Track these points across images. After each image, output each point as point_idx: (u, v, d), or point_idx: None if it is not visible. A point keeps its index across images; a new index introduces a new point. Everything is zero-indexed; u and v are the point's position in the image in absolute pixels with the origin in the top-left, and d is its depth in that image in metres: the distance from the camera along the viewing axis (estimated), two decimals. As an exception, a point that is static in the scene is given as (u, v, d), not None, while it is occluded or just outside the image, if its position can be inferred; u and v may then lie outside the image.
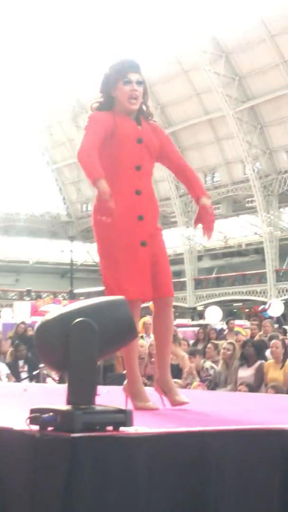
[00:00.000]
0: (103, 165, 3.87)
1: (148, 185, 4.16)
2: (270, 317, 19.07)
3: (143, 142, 4.09)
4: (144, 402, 3.97)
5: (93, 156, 3.88)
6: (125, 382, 4.16)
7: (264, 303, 28.16)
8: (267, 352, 10.18)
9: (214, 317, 22.80)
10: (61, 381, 10.73)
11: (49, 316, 2.78)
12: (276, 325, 17.21)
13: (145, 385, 10.51)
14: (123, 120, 4.08)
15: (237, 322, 17.60)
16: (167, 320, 4.22)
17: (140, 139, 4.09)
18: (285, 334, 13.67)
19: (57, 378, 11.59)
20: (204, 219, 4.13)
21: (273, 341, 9.75)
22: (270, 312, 21.39)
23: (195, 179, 4.26)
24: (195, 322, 29.48)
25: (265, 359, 9.85)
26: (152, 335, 14.14)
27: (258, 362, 9.46)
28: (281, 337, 11.15)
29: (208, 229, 4.14)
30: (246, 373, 9.41)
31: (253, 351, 9.55)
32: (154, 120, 4.36)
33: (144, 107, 4.21)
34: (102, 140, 3.97)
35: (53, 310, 3.34)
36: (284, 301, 30.72)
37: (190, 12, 37.15)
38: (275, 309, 21.82)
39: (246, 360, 9.56)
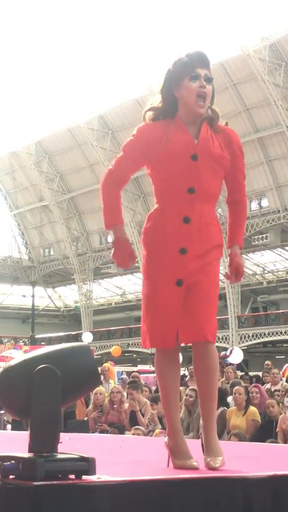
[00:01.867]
0: (155, 183, 3.50)
1: (203, 212, 3.46)
2: (231, 364, 19.05)
3: (198, 160, 3.43)
4: (184, 460, 3.40)
5: (114, 194, 3.53)
6: (166, 437, 3.57)
7: (225, 349, 28.18)
8: (229, 399, 10.17)
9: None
10: (15, 426, 10.57)
11: (12, 362, 2.76)
12: (241, 373, 17.26)
13: (106, 432, 10.43)
14: (177, 132, 3.47)
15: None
16: (201, 368, 3.51)
17: (195, 155, 3.42)
18: (251, 382, 13.68)
19: (10, 422, 11.42)
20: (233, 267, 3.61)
21: (236, 387, 9.74)
22: (230, 359, 21.40)
23: (241, 224, 3.78)
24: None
25: (227, 406, 9.83)
26: (111, 381, 14.14)
27: (220, 409, 9.43)
28: (243, 384, 11.14)
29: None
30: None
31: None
32: (226, 123, 3.67)
33: (210, 112, 3.58)
34: (137, 166, 3.56)
35: (14, 355, 3.30)
36: (245, 347, 30.80)
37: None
38: (235, 356, 21.87)
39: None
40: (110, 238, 46.46)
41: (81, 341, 31.86)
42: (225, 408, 9.58)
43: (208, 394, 3.51)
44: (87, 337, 35.81)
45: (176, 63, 3.54)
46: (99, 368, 14.75)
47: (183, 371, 20.84)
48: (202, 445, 3.50)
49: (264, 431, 8.94)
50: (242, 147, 3.64)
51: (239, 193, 3.67)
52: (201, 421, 3.59)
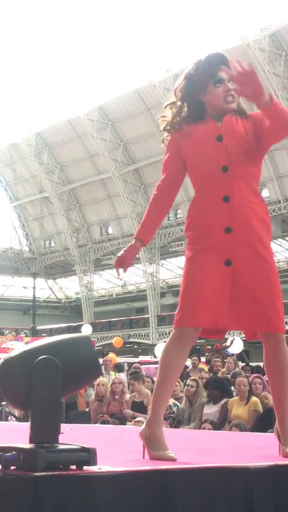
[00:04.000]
0: (190, 173, 3.55)
1: (242, 190, 3.44)
2: (232, 354, 19.07)
3: (223, 140, 3.48)
4: (162, 451, 3.33)
5: (150, 214, 3.60)
6: (143, 427, 3.50)
7: (226, 339, 28.15)
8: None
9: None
10: (22, 419, 10.61)
11: (12, 354, 2.76)
12: (242, 364, 17.28)
13: (108, 423, 10.45)
14: (201, 122, 3.54)
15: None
16: (275, 360, 3.46)
17: (220, 136, 3.49)
18: (252, 372, 13.69)
19: (17, 415, 11.46)
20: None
21: (239, 379, 9.73)
22: (231, 350, 21.43)
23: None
24: (158, 359, 29.40)
25: (231, 396, 9.84)
26: (112, 373, 14.18)
27: (224, 400, 9.46)
28: (243, 374, 11.13)
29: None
30: (211, 410, 9.40)
31: (217, 393, 9.55)
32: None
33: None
34: (178, 175, 3.59)
35: (16, 347, 3.30)
36: (245, 338, 30.75)
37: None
38: (236, 347, 21.90)
39: (212, 399, 9.56)
40: (110, 230, 46.67)
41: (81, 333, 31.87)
42: (229, 399, 9.59)
43: (285, 386, 3.46)
44: (86, 329, 35.82)
45: (197, 69, 3.57)
46: (103, 359, 14.81)
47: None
48: (278, 435, 3.49)
49: (263, 421, 8.95)
50: None
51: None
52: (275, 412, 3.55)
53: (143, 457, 3.38)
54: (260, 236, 3.47)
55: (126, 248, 3.58)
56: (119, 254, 3.61)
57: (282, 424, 3.48)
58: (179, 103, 3.61)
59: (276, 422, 3.53)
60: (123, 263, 3.59)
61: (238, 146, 3.48)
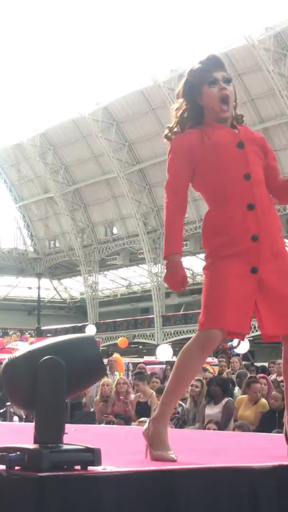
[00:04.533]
0: (208, 179, 3.49)
1: (264, 196, 3.49)
2: (238, 354, 19.07)
3: (244, 147, 3.50)
4: (163, 451, 3.31)
5: (176, 219, 3.51)
6: (146, 425, 3.46)
7: (231, 340, 28.18)
8: (236, 389, 10.18)
9: (165, 354, 23.29)
10: (27, 419, 10.62)
11: (16, 354, 2.77)
12: (247, 362, 17.29)
13: (113, 423, 10.44)
14: (214, 128, 3.52)
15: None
16: None
17: (241, 143, 3.51)
18: (257, 372, 13.70)
19: (24, 416, 11.47)
20: None
21: (254, 385, 9.65)
22: (237, 349, 21.43)
23: None
24: (161, 360, 29.41)
25: (232, 396, 9.83)
26: (116, 373, 14.19)
27: (225, 399, 9.44)
28: (252, 376, 11.11)
29: None
30: (213, 410, 9.38)
31: (219, 390, 9.53)
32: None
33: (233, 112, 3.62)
34: (188, 176, 3.53)
35: (21, 347, 3.30)
36: (251, 338, 30.75)
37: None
38: (242, 346, 21.92)
39: (212, 398, 9.53)
40: (115, 230, 46.66)
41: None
42: (230, 398, 9.57)
43: None
44: (90, 330, 35.82)
45: (192, 72, 3.60)
46: (108, 359, 14.81)
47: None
48: (286, 436, 3.46)
49: (267, 421, 8.95)
50: None
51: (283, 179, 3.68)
52: (285, 414, 3.53)
53: (146, 457, 3.37)
54: (280, 242, 3.53)
55: (175, 267, 3.44)
56: (168, 276, 3.46)
57: None
58: (181, 107, 3.62)
59: (286, 423, 3.50)
60: (184, 281, 3.47)
61: (256, 155, 3.52)
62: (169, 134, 3.62)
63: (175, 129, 3.61)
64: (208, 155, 3.47)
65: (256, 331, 38.06)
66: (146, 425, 3.45)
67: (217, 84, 3.52)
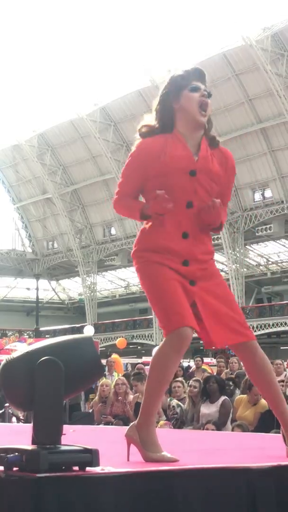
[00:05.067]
0: (151, 198, 3.44)
1: (198, 226, 3.49)
2: (235, 355, 19.11)
3: (196, 175, 3.45)
4: (161, 453, 3.28)
5: (124, 202, 3.55)
6: (130, 427, 3.44)
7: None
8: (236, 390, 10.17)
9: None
10: (26, 420, 10.63)
11: (14, 355, 2.77)
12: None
13: (111, 424, 10.44)
14: (176, 146, 3.45)
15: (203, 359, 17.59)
16: (253, 366, 3.53)
17: (194, 171, 3.44)
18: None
19: (22, 418, 11.47)
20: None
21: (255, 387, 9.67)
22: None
23: None
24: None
25: (228, 396, 9.83)
26: (115, 374, 14.18)
27: (222, 398, 9.43)
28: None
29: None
30: (209, 409, 9.37)
31: (216, 387, 9.52)
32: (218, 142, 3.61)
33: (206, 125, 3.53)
34: (137, 187, 3.54)
35: (19, 348, 3.30)
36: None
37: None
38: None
39: (208, 396, 9.52)
40: (113, 230, 46.65)
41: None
42: (226, 397, 9.56)
43: (277, 390, 3.51)
44: (88, 330, 35.78)
45: (174, 77, 3.56)
46: (107, 360, 14.80)
47: (188, 362, 20.89)
48: (284, 437, 3.45)
49: (265, 421, 8.95)
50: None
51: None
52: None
53: (128, 459, 3.32)
54: (210, 264, 3.58)
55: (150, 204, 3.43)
56: (152, 204, 3.41)
57: (287, 428, 3.46)
58: (154, 111, 3.58)
59: (281, 427, 3.49)
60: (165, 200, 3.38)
61: (207, 185, 3.46)
62: (140, 132, 3.56)
63: (144, 130, 3.55)
64: (158, 176, 3.43)
65: (254, 331, 37.97)
66: (130, 429, 3.42)
67: (199, 91, 3.48)
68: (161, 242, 3.43)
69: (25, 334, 42.83)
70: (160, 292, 3.40)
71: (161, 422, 9.54)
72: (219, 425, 8.88)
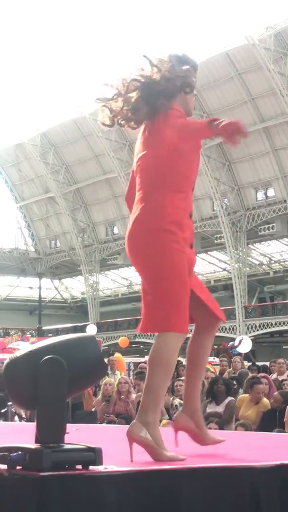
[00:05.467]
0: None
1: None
2: (239, 354, 19.08)
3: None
4: (171, 453, 3.23)
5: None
6: (134, 425, 3.33)
7: (233, 339, 28.18)
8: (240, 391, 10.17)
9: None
10: (29, 419, 10.62)
11: (18, 354, 2.77)
12: (249, 363, 17.27)
13: (114, 422, 10.43)
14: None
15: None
16: (206, 343, 3.85)
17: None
18: (258, 372, 13.69)
19: (25, 416, 11.47)
20: None
21: (257, 386, 9.65)
22: (239, 349, 21.42)
23: None
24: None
25: (234, 395, 9.82)
26: (117, 373, 14.17)
27: (228, 399, 9.43)
28: (252, 376, 11.10)
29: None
30: (215, 410, 9.37)
31: (224, 389, 9.52)
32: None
33: None
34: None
35: (22, 347, 3.29)
36: (252, 338, 30.77)
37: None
38: (244, 346, 21.88)
39: (215, 398, 9.52)
40: (116, 229, 46.63)
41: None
42: (233, 398, 9.56)
43: (203, 370, 3.84)
44: (91, 329, 35.81)
45: (193, 69, 3.70)
46: (108, 358, 14.79)
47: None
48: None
49: (268, 420, 8.94)
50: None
51: None
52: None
53: (132, 460, 3.23)
54: None
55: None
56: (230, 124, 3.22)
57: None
58: (134, 96, 3.71)
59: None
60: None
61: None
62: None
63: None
64: (194, 152, 3.56)
65: (257, 330, 37.87)
66: (137, 429, 3.30)
67: (195, 95, 3.70)
68: (179, 219, 3.41)
69: (28, 333, 42.90)
70: (179, 292, 3.40)
71: (164, 421, 9.53)
72: (223, 424, 8.88)
